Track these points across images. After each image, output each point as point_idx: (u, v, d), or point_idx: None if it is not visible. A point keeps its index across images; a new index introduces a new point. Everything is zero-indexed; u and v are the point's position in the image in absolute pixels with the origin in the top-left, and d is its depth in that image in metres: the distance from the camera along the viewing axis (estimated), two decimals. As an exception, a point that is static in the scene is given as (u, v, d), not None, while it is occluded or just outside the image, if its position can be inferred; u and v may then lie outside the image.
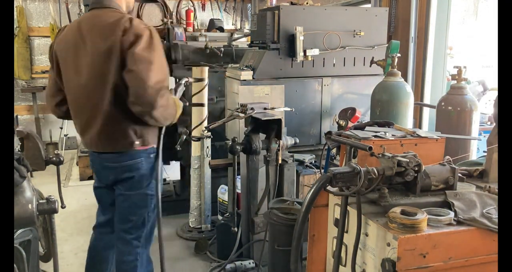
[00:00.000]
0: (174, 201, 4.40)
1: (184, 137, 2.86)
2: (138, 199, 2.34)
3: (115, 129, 2.21)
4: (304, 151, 3.49)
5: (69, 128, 6.45)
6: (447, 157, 1.74)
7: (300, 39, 3.24)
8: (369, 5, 4.38)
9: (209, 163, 3.27)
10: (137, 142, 2.23)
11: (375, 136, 1.88)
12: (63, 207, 2.22)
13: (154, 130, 2.30)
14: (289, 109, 2.89)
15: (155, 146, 2.32)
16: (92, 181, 5.56)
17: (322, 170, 2.71)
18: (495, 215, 1.47)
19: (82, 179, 5.44)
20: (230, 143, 2.66)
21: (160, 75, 2.06)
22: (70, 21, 6.55)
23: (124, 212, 2.39)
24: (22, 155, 1.65)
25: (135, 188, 2.32)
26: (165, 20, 7.11)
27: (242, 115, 2.63)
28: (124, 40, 2.04)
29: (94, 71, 2.11)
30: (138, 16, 7.08)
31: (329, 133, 1.98)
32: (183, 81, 2.47)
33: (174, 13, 7.30)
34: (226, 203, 3.75)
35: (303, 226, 1.59)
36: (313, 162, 3.35)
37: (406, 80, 3.49)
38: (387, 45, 3.45)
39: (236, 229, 2.91)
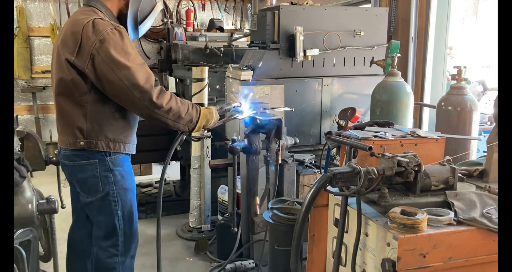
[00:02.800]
0: (174, 201, 4.41)
1: (184, 137, 2.86)
2: (99, 206, 2.23)
3: (63, 122, 2.18)
4: (304, 151, 3.49)
5: (69, 128, 6.44)
6: (447, 157, 1.74)
7: (300, 39, 3.24)
8: (369, 5, 4.38)
9: (209, 163, 3.28)
10: (82, 143, 2.12)
11: (375, 136, 1.88)
12: (63, 207, 2.22)
13: (116, 134, 2.17)
14: (289, 109, 2.89)
15: (120, 152, 2.20)
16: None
17: (322, 170, 2.71)
18: (495, 215, 1.47)
19: (82, 179, 5.42)
20: (230, 143, 2.66)
21: (142, 73, 2.05)
22: (70, 21, 6.55)
23: (93, 218, 2.33)
24: (22, 155, 1.65)
25: (93, 192, 2.21)
26: (165, 20, 7.11)
27: (242, 115, 2.63)
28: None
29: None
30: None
31: (329, 133, 1.98)
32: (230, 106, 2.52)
33: (174, 13, 7.30)
34: (226, 203, 3.75)
35: (303, 226, 1.59)
36: (313, 162, 3.35)
37: (406, 80, 3.49)
38: (387, 45, 3.45)
39: (236, 229, 2.91)
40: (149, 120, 2.14)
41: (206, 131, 3.61)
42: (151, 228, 4.01)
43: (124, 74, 1.97)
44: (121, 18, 2.23)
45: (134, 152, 2.33)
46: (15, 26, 6.38)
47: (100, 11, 2.13)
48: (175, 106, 2.07)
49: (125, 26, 2.18)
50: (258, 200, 2.78)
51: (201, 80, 3.60)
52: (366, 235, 1.55)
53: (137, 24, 2.26)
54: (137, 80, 1.98)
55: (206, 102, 3.64)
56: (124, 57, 1.99)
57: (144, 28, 2.33)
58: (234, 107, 2.52)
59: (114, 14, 2.21)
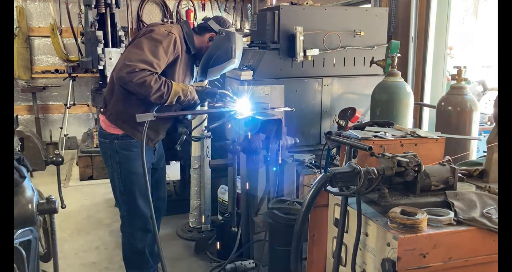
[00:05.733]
0: (174, 201, 4.40)
1: (184, 137, 2.86)
2: (110, 176, 2.68)
3: None
4: (304, 151, 3.49)
5: (69, 128, 6.45)
6: (447, 157, 1.74)
7: (300, 39, 3.24)
8: (369, 5, 4.38)
9: (209, 163, 3.27)
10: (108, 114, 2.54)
11: (375, 136, 1.88)
12: (63, 207, 2.22)
13: (127, 119, 2.48)
14: (289, 109, 2.88)
15: (122, 133, 2.52)
16: (91, 181, 5.58)
17: (322, 170, 2.71)
18: (495, 215, 1.47)
19: (82, 179, 5.44)
20: (230, 143, 2.65)
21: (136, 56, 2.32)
22: (70, 21, 6.55)
23: None
24: (22, 155, 1.65)
25: (106, 165, 2.68)
26: (165, 20, 7.11)
27: (243, 115, 2.63)
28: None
29: None
30: (138, 16, 7.09)
31: (329, 133, 1.98)
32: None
33: (174, 13, 7.30)
34: (226, 203, 3.75)
35: (303, 226, 1.59)
36: (313, 162, 3.35)
37: (406, 80, 3.49)
38: (387, 45, 3.45)
39: (236, 229, 2.91)
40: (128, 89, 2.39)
41: (206, 131, 3.60)
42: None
43: (128, 52, 2.37)
44: (199, 54, 2.62)
45: (143, 141, 2.49)
46: (15, 26, 6.38)
47: (183, 33, 2.53)
48: (147, 82, 2.29)
49: (199, 62, 2.60)
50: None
51: (201, 80, 3.60)
52: (366, 235, 1.55)
53: (207, 66, 2.60)
54: (128, 58, 2.31)
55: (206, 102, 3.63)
56: (148, 46, 2.33)
57: (212, 73, 2.64)
58: (220, 93, 2.66)
59: (196, 48, 2.59)
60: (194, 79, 2.77)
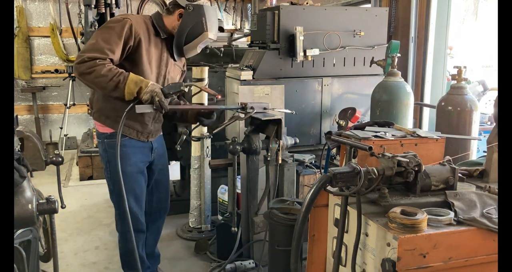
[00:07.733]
0: (174, 201, 4.39)
1: (184, 137, 2.86)
2: (105, 176, 2.67)
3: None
4: (304, 151, 3.49)
5: (69, 128, 6.45)
6: (447, 157, 1.74)
7: (300, 39, 3.24)
8: (369, 5, 4.39)
9: (209, 163, 3.27)
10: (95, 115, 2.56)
11: (375, 136, 1.88)
12: (63, 207, 2.22)
13: (109, 115, 2.47)
14: (289, 111, 2.87)
15: (111, 132, 2.49)
16: (91, 181, 5.58)
17: (322, 170, 2.71)
18: (495, 215, 1.47)
19: (82, 179, 5.44)
20: (230, 143, 2.65)
21: (88, 46, 2.29)
22: (70, 21, 6.55)
23: None
24: (22, 155, 1.65)
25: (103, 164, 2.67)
26: (165, 20, 7.11)
27: (242, 116, 2.63)
28: None
29: None
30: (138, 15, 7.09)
31: (329, 133, 1.98)
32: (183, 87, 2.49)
33: (174, 13, 7.30)
34: (226, 203, 3.75)
35: (303, 226, 1.59)
36: (313, 162, 3.35)
37: (406, 80, 3.49)
38: (387, 45, 3.45)
39: (236, 229, 2.91)
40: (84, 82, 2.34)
41: (206, 131, 3.60)
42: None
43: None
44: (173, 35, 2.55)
45: (130, 135, 2.55)
46: (15, 26, 6.38)
47: (151, 20, 2.50)
48: (97, 72, 2.22)
49: (173, 43, 2.53)
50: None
51: (201, 80, 3.60)
52: (366, 235, 1.55)
53: (181, 44, 2.54)
54: (82, 50, 2.32)
55: (206, 102, 3.64)
56: (100, 35, 2.31)
57: (188, 50, 2.59)
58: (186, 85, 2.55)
59: (169, 30, 2.53)
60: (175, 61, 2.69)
